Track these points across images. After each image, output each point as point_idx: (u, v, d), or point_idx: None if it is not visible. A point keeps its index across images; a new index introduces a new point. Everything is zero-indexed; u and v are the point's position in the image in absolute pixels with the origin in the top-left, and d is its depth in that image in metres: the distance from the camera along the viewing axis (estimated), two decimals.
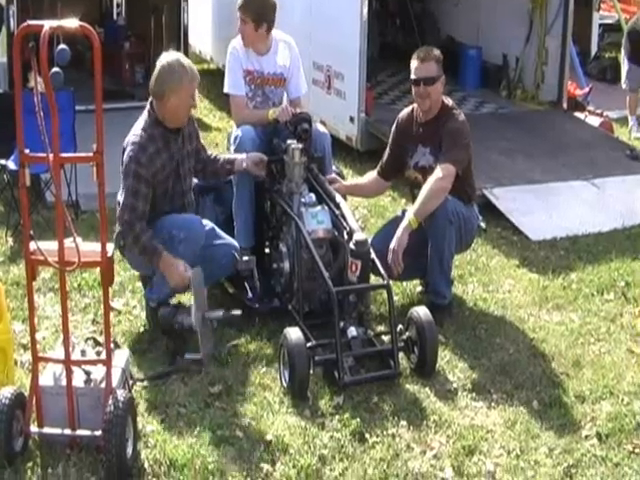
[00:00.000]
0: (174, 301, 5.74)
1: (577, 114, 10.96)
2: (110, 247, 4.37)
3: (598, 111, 11.35)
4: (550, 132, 10.12)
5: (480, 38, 12.09)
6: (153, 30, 12.08)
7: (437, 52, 6.02)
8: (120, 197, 5.49)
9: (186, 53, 10.83)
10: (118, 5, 14.47)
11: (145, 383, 5.04)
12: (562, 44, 10.82)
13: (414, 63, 5.97)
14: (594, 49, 14.90)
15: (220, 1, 13.72)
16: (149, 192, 5.42)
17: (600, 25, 15.12)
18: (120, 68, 12.19)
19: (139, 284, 6.26)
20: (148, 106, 5.59)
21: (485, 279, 6.64)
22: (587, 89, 12.14)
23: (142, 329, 5.76)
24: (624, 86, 11.57)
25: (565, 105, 10.97)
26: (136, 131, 5.53)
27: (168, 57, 5.53)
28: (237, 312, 5.48)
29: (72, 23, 4.21)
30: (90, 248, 4.31)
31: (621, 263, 6.91)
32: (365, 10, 9.30)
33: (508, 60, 11.55)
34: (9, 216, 7.53)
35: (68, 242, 4.20)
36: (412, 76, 6.00)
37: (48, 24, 4.05)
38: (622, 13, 15.39)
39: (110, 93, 9.95)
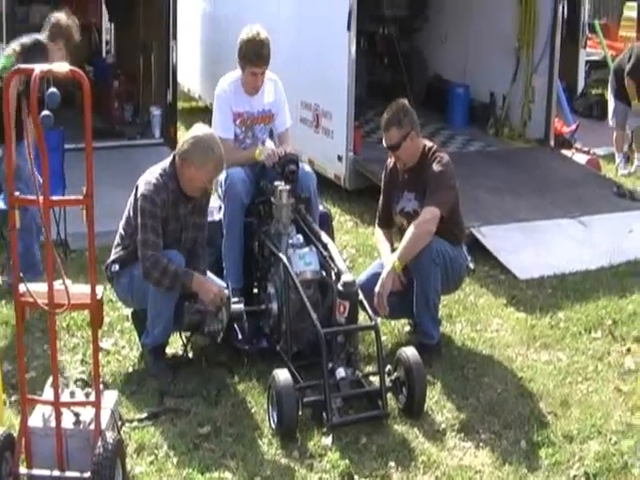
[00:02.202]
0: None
1: (564, 151, 11.07)
2: (99, 289, 4.39)
3: (585, 148, 11.47)
4: (537, 170, 10.19)
5: (467, 76, 12.18)
6: (142, 68, 12.14)
7: (396, 114, 5.95)
8: (122, 229, 5.69)
9: (175, 92, 10.94)
10: (107, 43, 14.57)
11: (134, 424, 5.04)
12: (549, 82, 10.90)
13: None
14: (581, 86, 15.05)
15: (208, 40, 13.86)
16: (161, 230, 5.51)
17: (587, 62, 15.28)
18: (109, 106, 12.21)
19: (127, 324, 6.29)
20: (171, 158, 5.65)
21: (473, 318, 6.67)
22: (574, 126, 12.26)
23: (131, 369, 5.77)
24: (611, 123, 11.66)
25: (552, 143, 11.05)
26: (154, 173, 5.60)
27: (203, 130, 5.61)
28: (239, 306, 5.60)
29: (62, 67, 4.26)
30: (79, 290, 4.33)
31: (608, 301, 6.94)
32: (353, 49, 9.38)
33: (495, 98, 11.63)
34: None
35: (57, 284, 4.23)
36: None
37: (39, 68, 4.09)
38: (608, 50, 15.58)
39: (99, 131, 10.01)
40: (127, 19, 12.76)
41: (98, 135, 9.93)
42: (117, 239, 5.77)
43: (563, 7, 10.84)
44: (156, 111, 11.08)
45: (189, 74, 13.86)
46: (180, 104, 11.89)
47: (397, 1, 12.48)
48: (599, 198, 9.35)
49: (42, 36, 6.90)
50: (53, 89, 4.17)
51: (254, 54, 6.22)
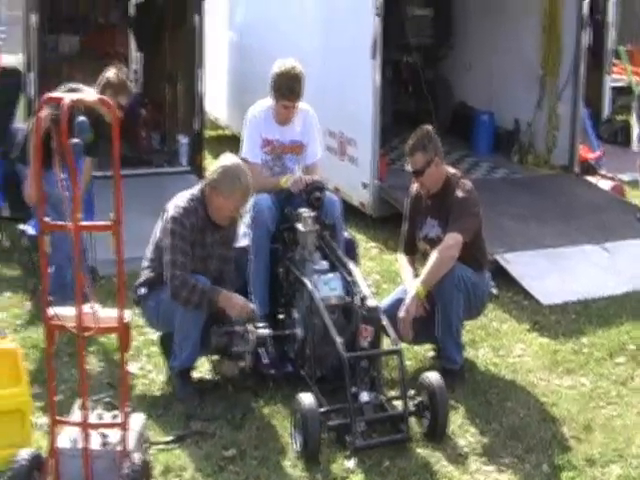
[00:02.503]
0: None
1: (589, 178, 11.09)
2: (127, 313, 4.48)
3: (610, 175, 11.48)
4: (562, 196, 10.23)
5: (492, 103, 12.25)
6: (170, 97, 12.30)
7: (421, 139, 6.07)
8: (149, 253, 5.81)
9: (202, 120, 11.08)
10: (135, 72, 14.76)
11: (161, 446, 5.13)
12: (573, 109, 10.96)
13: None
14: (606, 112, 15.06)
15: (235, 70, 14.03)
16: (190, 252, 5.61)
17: (612, 88, 15.29)
18: (137, 135, 12.37)
19: (154, 348, 6.40)
20: (200, 185, 5.78)
21: (496, 344, 6.72)
22: (599, 153, 12.28)
23: (158, 393, 5.87)
24: (635, 149, 11.67)
25: (577, 169, 11.09)
26: (184, 198, 5.74)
27: (231, 160, 5.77)
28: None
29: (91, 96, 4.38)
30: (108, 314, 4.42)
31: (632, 327, 6.97)
32: (378, 77, 9.50)
33: (520, 125, 11.68)
34: (26, 280, 7.66)
35: (86, 308, 4.33)
36: None
37: (68, 97, 4.21)
38: (633, 76, 15.59)
39: (127, 159, 10.14)
40: (155, 49, 12.93)
41: (126, 163, 10.04)
42: (145, 262, 5.88)
43: (587, 34, 10.89)
44: (183, 139, 11.21)
45: (216, 103, 14.02)
46: (207, 132, 12.02)
47: (422, 30, 12.58)
48: (623, 224, 9.37)
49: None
50: (82, 117, 4.30)
51: (287, 88, 6.35)
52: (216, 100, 13.83)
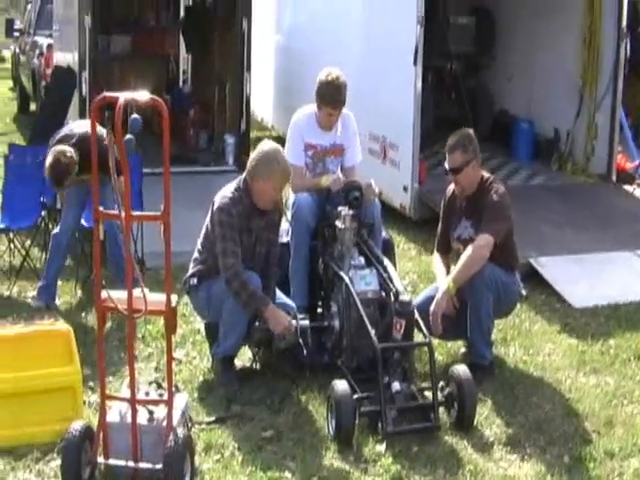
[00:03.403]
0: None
1: (626, 187, 11.26)
2: (174, 298, 4.79)
3: None
4: (599, 204, 10.42)
5: (532, 112, 12.45)
6: (217, 98, 12.63)
7: (462, 140, 6.35)
8: (200, 244, 6.13)
9: (249, 121, 11.40)
10: (184, 73, 15.12)
11: (202, 426, 5.43)
12: (611, 119, 11.15)
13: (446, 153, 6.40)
14: None
15: (281, 72, 14.36)
16: (238, 238, 5.90)
17: None
18: (184, 134, 12.69)
19: (199, 337, 6.72)
20: (243, 176, 6.10)
21: (526, 343, 6.95)
22: (637, 162, 12.43)
23: (201, 378, 6.18)
24: None
25: (615, 178, 11.27)
26: (229, 189, 6.06)
27: (269, 145, 6.08)
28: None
29: (144, 96, 4.69)
30: (156, 298, 4.73)
31: None
32: (419, 83, 9.75)
33: (559, 134, 11.88)
34: (77, 270, 8.01)
35: (136, 292, 4.65)
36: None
37: (122, 96, 4.51)
38: None
39: (174, 157, 10.42)
40: (203, 51, 13.27)
41: (174, 161, 10.34)
42: (195, 254, 6.17)
43: (626, 45, 11.08)
44: (230, 139, 11.52)
45: (263, 104, 14.35)
46: (254, 133, 12.33)
47: (464, 39, 12.80)
48: None
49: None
50: (135, 115, 4.60)
51: (331, 98, 6.63)
52: (262, 101, 14.15)
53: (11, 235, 8.35)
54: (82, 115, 10.05)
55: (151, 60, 14.41)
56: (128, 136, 4.46)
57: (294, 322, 5.89)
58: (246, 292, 5.81)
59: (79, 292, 7.80)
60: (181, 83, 14.83)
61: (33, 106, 18.38)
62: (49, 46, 15.39)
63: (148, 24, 14.66)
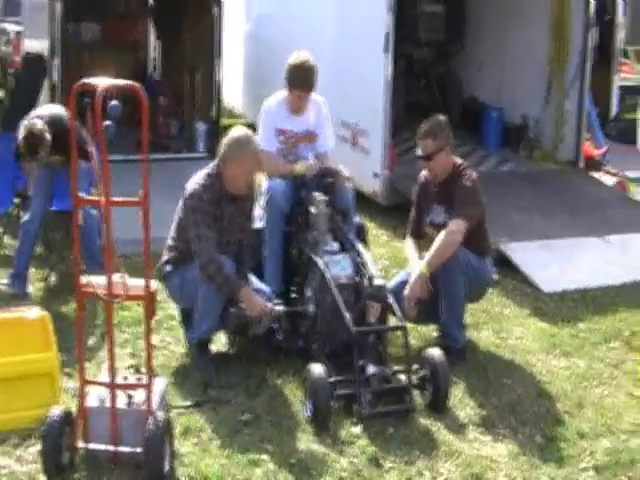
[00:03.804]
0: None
1: (594, 173, 11.40)
2: (153, 283, 4.83)
3: (614, 171, 11.79)
4: (567, 191, 10.57)
5: (502, 99, 12.57)
6: (188, 85, 12.65)
7: (434, 127, 6.42)
8: (172, 231, 6.16)
9: (220, 108, 11.44)
10: (154, 60, 15.10)
11: (180, 410, 5.48)
12: (579, 106, 11.29)
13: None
14: (614, 111, 15.35)
15: (251, 60, 14.37)
16: (212, 224, 5.93)
17: (620, 87, 15.57)
18: (155, 121, 12.70)
19: (173, 322, 6.77)
20: (214, 162, 6.13)
21: (497, 327, 7.06)
22: (604, 149, 12.58)
23: (177, 363, 6.22)
24: None
25: (582, 164, 11.42)
26: (200, 176, 6.09)
27: (239, 131, 6.12)
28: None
29: (122, 82, 4.75)
30: (135, 283, 4.78)
31: (628, 314, 7.32)
32: (390, 70, 9.83)
33: (528, 121, 12.01)
34: (49, 256, 8.02)
35: (115, 277, 4.69)
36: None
37: (102, 82, 4.56)
38: None
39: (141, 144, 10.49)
40: (174, 38, 13.27)
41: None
42: (169, 241, 6.21)
43: (594, 34, 11.20)
44: (201, 126, 11.57)
45: (233, 92, 14.36)
46: (223, 121, 12.35)
47: (434, 26, 12.87)
48: (626, 218, 9.66)
49: None
50: (115, 102, 4.65)
51: (301, 80, 6.69)
52: (232, 89, 14.16)
53: None
54: (52, 102, 10.03)
55: (121, 47, 14.37)
56: (107, 122, 4.51)
57: (269, 305, 5.94)
58: (221, 276, 5.85)
59: (52, 279, 7.80)
60: (150, 70, 14.82)
61: (0, 93, 18.27)
62: (17, 33, 15.31)
63: (117, 10, 14.63)
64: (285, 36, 12.65)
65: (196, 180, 6.08)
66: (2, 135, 9.18)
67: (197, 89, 12.27)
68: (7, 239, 8.47)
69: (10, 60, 15.64)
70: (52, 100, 10.13)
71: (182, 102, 12.82)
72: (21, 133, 7.16)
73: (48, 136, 7.05)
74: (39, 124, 7.11)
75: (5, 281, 7.72)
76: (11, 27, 16.34)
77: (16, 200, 8.26)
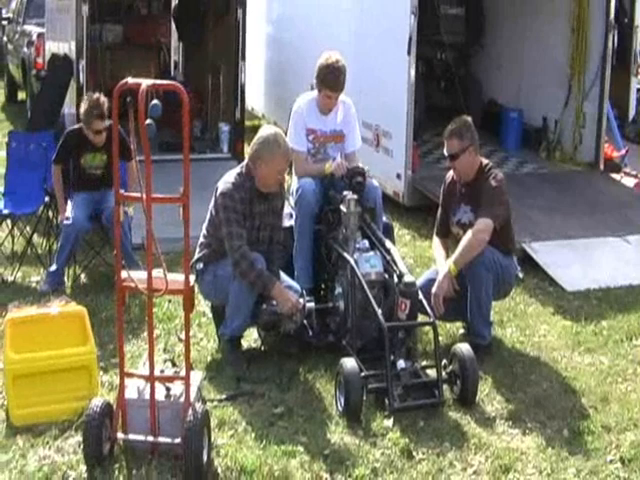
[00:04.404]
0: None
1: (613, 175, 11.48)
2: (192, 278, 4.97)
3: (633, 172, 11.87)
4: (587, 191, 10.64)
5: (521, 101, 12.67)
6: (211, 87, 12.77)
7: (460, 127, 6.55)
8: (205, 229, 6.29)
9: (243, 110, 11.56)
10: (175, 63, 15.26)
11: (214, 404, 5.62)
12: (599, 108, 11.35)
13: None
14: (632, 113, 15.41)
15: (272, 63, 14.52)
16: (243, 223, 6.07)
17: (638, 89, 15.63)
18: (179, 122, 12.81)
19: (204, 319, 6.91)
20: (245, 162, 6.28)
21: (522, 324, 7.17)
22: (623, 151, 12.66)
23: (209, 358, 6.36)
24: None
25: (602, 166, 11.50)
26: (231, 175, 6.23)
27: (269, 130, 6.25)
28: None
29: (164, 82, 4.90)
30: (174, 278, 4.91)
31: None
32: (412, 73, 9.94)
33: (548, 123, 12.10)
34: (75, 256, 8.15)
35: (155, 272, 4.82)
36: None
37: (145, 82, 4.69)
38: None
39: (168, 145, 10.64)
40: (197, 39, 13.40)
41: (167, 148, 10.60)
42: (201, 239, 6.34)
43: (614, 36, 11.28)
44: (225, 127, 11.69)
45: (254, 94, 14.50)
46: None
47: (454, 28, 12.95)
48: None
49: None
50: (156, 101, 4.78)
51: (332, 80, 6.81)
52: (253, 91, 14.30)
53: (8, 222, 8.50)
54: (79, 102, 10.15)
55: (143, 49, 14.54)
56: (148, 121, 4.64)
57: (301, 300, 6.07)
58: (254, 272, 5.98)
59: (82, 276, 7.96)
60: (172, 72, 14.95)
61: (21, 95, 18.46)
62: (39, 35, 15.46)
63: (140, 13, 14.80)
64: (306, 39, 12.81)
65: (227, 179, 6.22)
66: (34, 135, 9.31)
67: (220, 90, 12.39)
68: (36, 237, 8.60)
69: (33, 62, 15.77)
70: (79, 101, 10.26)
71: (205, 103, 12.94)
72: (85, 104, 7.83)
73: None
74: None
75: (35, 279, 7.90)
76: (33, 29, 16.47)
77: (46, 199, 8.39)
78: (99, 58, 12.83)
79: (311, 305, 6.20)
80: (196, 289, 5.80)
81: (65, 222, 7.71)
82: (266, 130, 6.29)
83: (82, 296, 7.46)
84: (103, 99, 7.77)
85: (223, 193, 6.14)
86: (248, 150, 6.33)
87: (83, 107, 7.85)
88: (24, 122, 14.09)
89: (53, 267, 7.69)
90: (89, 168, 7.92)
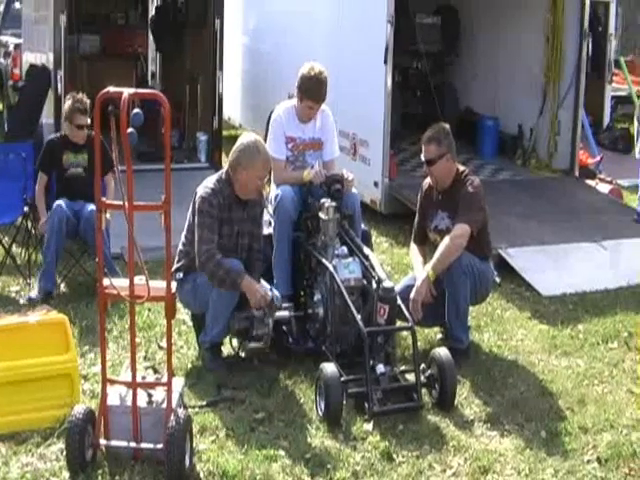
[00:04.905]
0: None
1: (588, 181, 11.61)
2: (173, 285, 5.02)
3: (608, 179, 12.01)
4: (562, 198, 10.78)
5: (497, 109, 12.79)
6: (189, 97, 12.83)
7: (438, 133, 6.65)
8: (184, 237, 6.30)
9: (220, 119, 11.61)
10: (153, 73, 15.28)
11: (196, 410, 5.65)
12: (574, 116, 11.49)
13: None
14: (607, 120, 15.61)
15: (248, 73, 14.58)
16: (217, 227, 6.11)
17: (613, 97, 15.83)
18: (155, 132, 12.87)
19: (184, 327, 6.95)
20: (225, 168, 6.34)
21: (500, 329, 7.25)
22: (598, 158, 12.82)
23: (190, 365, 6.40)
24: (638, 155, 12.18)
25: (577, 173, 11.62)
26: (211, 181, 6.28)
27: (249, 137, 6.31)
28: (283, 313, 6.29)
29: (146, 91, 4.96)
30: (155, 285, 4.95)
31: (625, 316, 7.51)
32: (389, 81, 10.04)
33: (523, 130, 12.23)
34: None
35: (137, 279, 4.87)
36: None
37: (127, 91, 4.75)
38: (634, 86, 16.13)
39: (145, 155, 10.67)
40: (174, 49, 13.46)
41: (144, 158, 10.63)
42: (179, 247, 6.37)
43: (588, 45, 11.44)
44: (202, 137, 11.75)
45: (230, 103, 14.55)
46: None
47: (430, 37, 13.09)
48: (620, 225, 9.87)
49: None
50: (137, 110, 4.83)
51: (314, 91, 6.88)
52: (230, 101, 14.35)
53: None
54: (58, 113, 10.20)
55: (120, 59, 14.59)
56: (130, 129, 4.69)
57: (270, 293, 6.11)
58: (221, 270, 6.03)
59: (61, 286, 7.98)
60: (149, 82, 14.98)
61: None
62: (16, 46, 15.47)
63: (117, 23, 14.83)
64: (282, 49, 12.88)
65: (206, 184, 6.29)
66: (13, 145, 9.32)
67: (198, 100, 12.44)
68: (15, 248, 8.60)
69: (10, 72, 15.77)
70: (57, 111, 10.29)
71: (182, 113, 12.98)
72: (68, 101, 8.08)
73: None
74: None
75: (17, 288, 7.92)
76: (10, 39, 16.47)
77: (25, 209, 8.40)
78: (77, 68, 12.85)
79: (286, 313, 6.31)
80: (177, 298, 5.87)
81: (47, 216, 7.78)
82: (246, 137, 6.36)
83: (62, 305, 7.47)
84: (86, 98, 7.95)
85: (201, 197, 6.20)
86: (228, 157, 6.38)
87: (67, 104, 8.03)
88: (2, 133, 14.08)
89: (42, 267, 7.72)
90: (70, 167, 7.99)
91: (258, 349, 6.21)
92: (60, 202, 7.79)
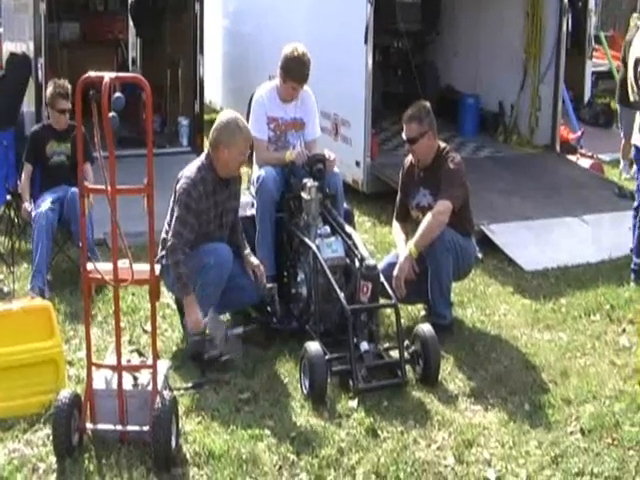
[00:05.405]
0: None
1: (569, 157, 11.65)
2: (157, 267, 5.04)
3: (589, 154, 12.06)
4: (544, 174, 10.80)
5: (478, 87, 12.80)
6: (170, 81, 12.79)
7: (419, 111, 6.69)
8: (167, 224, 6.28)
9: (202, 103, 11.60)
10: (133, 59, 15.20)
11: (181, 392, 5.68)
12: (554, 91, 11.50)
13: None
14: (587, 95, 15.63)
15: (229, 55, 14.53)
16: (195, 224, 6.11)
17: (593, 73, 15.85)
18: (136, 117, 12.85)
19: (169, 310, 6.96)
20: (206, 151, 6.33)
21: (482, 304, 7.31)
22: (579, 133, 12.85)
23: (174, 348, 6.44)
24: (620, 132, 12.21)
25: (558, 148, 11.65)
26: (191, 169, 6.26)
27: (229, 114, 6.30)
28: (252, 326, 6.34)
29: (127, 75, 4.97)
30: (139, 268, 4.97)
31: (607, 289, 7.57)
32: (370, 61, 10.04)
33: (504, 107, 12.24)
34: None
35: (120, 263, 4.88)
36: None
37: (108, 75, 4.75)
38: (614, 61, 16.15)
39: (126, 140, 10.64)
40: (155, 34, 13.38)
41: (125, 143, 10.61)
42: (163, 234, 6.33)
43: (568, 20, 11.45)
44: (184, 121, 11.74)
45: (211, 87, 14.51)
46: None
47: (410, 16, 13.06)
48: (601, 199, 9.93)
49: None
50: (118, 94, 4.84)
51: (297, 72, 6.93)
52: (210, 84, 14.31)
53: None
54: (39, 101, 10.19)
55: (101, 45, 14.49)
56: (112, 113, 4.70)
57: (204, 320, 6.05)
58: (176, 270, 6.04)
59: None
60: (130, 67, 14.91)
61: None
62: None
63: (97, 9, 14.76)
64: (263, 31, 12.83)
65: (188, 174, 6.25)
66: None
67: (179, 85, 12.41)
68: None
69: None
70: (38, 99, 10.28)
71: (163, 98, 12.95)
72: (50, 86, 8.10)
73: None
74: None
75: (1, 277, 7.91)
76: None
77: (8, 197, 8.40)
78: (57, 56, 12.78)
79: (240, 331, 6.30)
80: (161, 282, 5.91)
81: (33, 212, 7.71)
82: (226, 115, 6.34)
83: (52, 290, 7.49)
84: (68, 84, 7.99)
85: (183, 188, 6.17)
86: (209, 137, 6.35)
87: (48, 89, 8.08)
88: None
89: (33, 268, 7.57)
90: (54, 154, 7.97)
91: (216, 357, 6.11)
92: (47, 203, 7.68)
